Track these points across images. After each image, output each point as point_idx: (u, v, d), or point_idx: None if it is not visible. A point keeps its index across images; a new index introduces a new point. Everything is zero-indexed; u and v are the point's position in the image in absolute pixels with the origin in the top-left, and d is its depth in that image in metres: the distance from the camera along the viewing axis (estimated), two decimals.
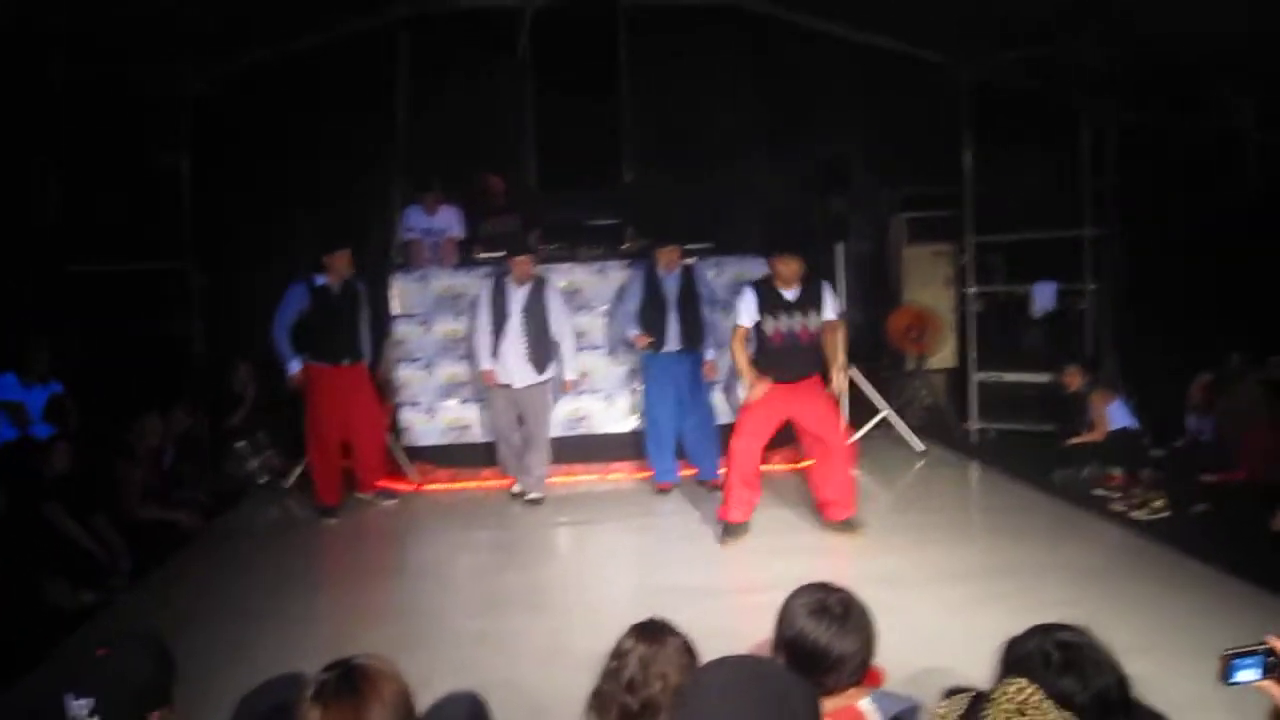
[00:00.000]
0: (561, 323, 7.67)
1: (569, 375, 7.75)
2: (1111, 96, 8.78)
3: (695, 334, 7.73)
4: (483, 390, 7.98)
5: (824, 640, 2.41)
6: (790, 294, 6.34)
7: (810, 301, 6.37)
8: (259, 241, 9.37)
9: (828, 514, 6.63)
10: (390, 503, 7.81)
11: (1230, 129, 8.81)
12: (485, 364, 7.62)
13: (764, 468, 8.32)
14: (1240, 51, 7.76)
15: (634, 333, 7.72)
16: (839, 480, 6.56)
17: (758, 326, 6.41)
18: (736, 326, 6.49)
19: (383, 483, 8.01)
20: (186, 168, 8.86)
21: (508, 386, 7.59)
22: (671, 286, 7.69)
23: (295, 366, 7.35)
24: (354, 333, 7.52)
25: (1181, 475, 6.95)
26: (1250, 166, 8.71)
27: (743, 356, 6.40)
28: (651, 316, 7.69)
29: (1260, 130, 8.51)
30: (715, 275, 8.13)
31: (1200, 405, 7.43)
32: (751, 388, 6.39)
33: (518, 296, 7.54)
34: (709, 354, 7.84)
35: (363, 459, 7.70)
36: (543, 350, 7.57)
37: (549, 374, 7.67)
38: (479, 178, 9.34)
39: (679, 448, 7.97)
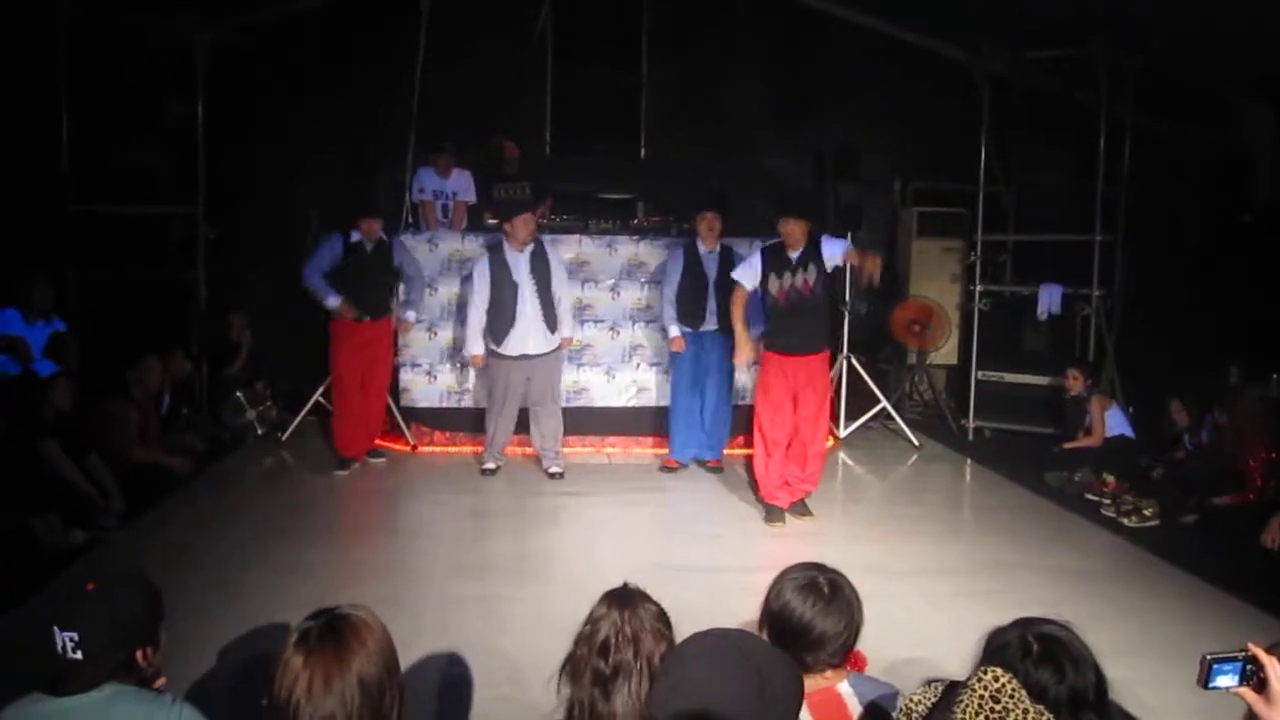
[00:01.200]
0: (562, 281, 7.57)
1: (566, 332, 7.63)
2: (1129, 102, 8.74)
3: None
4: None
5: (808, 616, 2.44)
6: (794, 254, 6.42)
7: (810, 256, 6.41)
8: (266, 195, 9.36)
9: (791, 493, 6.67)
10: (379, 461, 7.81)
11: (1244, 143, 8.80)
12: (474, 347, 7.47)
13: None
14: (1260, 65, 7.74)
15: (674, 332, 7.68)
16: (803, 469, 6.60)
17: (765, 289, 6.48)
18: (736, 286, 6.56)
19: (379, 441, 8.04)
20: (201, 116, 8.82)
21: (523, 358, 7.44)
22: (712, 265, 7.61)
23: (334, 301, 7.43)
24: (381, 290, 7.67)
25: (1184, 490, 6.97)
26: (1261, 181, 8.70)
27: (739, 316, 6.48)
28: (691, 296, 7.62)
29: (1275, 145, 8.50)
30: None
31: (1191, 426, 7.43)
32: (740, 348, 6.50)
33: (522, 262, 7.37)
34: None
35: (356, 420, 7.70)
36: (552, 313, 7.46)
37: (559, 338, 7.59)
38: (494, 143, 9.32)
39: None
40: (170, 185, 9.05)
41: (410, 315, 7.84)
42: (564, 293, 7.56)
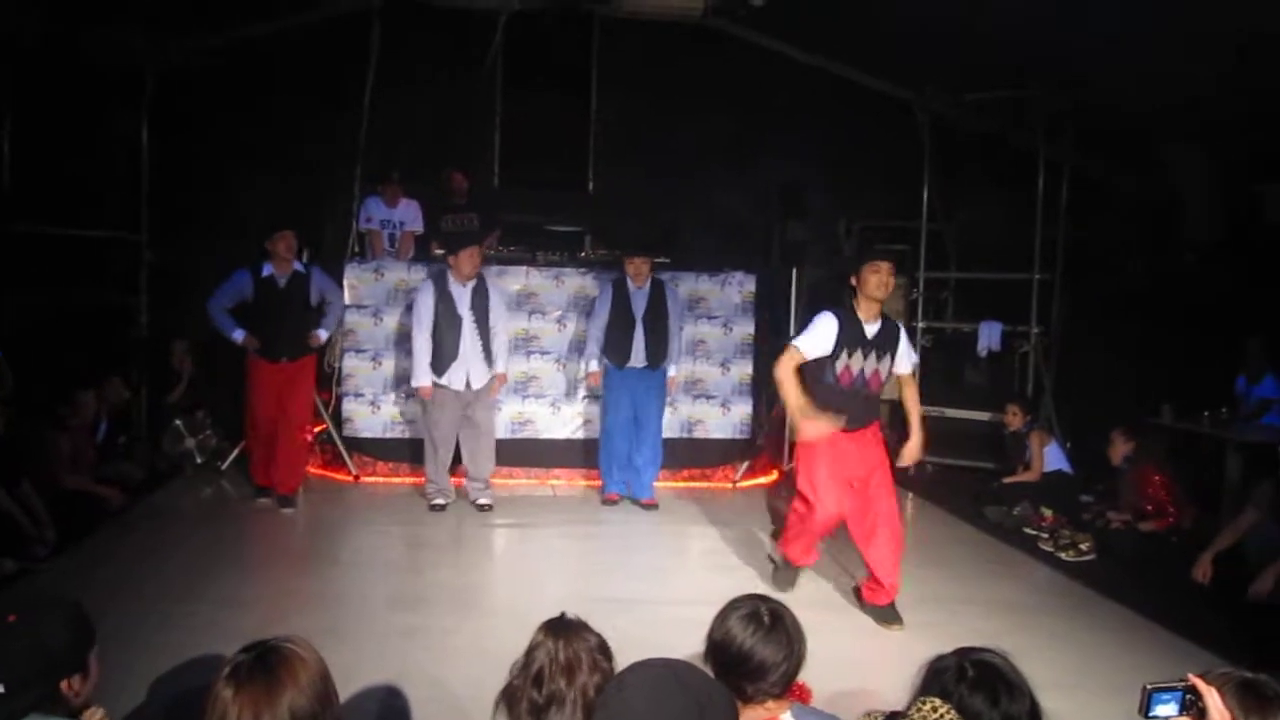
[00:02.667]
0: (500, 316, 7.46)
1: (500, 368, 7.48)
2: (1066, 144, 8.97)
3: (659, 351, 7.64)
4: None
5: (749, 645, 2.46)
6: (871, 329, 5.21)
7: (888, 343, 5.29)
8: (211, 220, 9.26)
9: (865, 594, 5.51)
10: (287, 510, 7.26)
11: (1177, 188, 9.05)
12: (424, 379, 7.28)
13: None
14: (1194, 112, 7.98)
15: (593, 367, 7.71)
16: (888, 558, 5.33)
17: (828, 361, 5.21)
18: (792, 349, 5.23)
19: (318, 470, 7.95)
20: (146, 140, 8.72)
21: (466, 389, 7.32)
22: (640, 302, 7.60)
23: (239, 335, 7.10)
24: (296, 329, 7.23)
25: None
26: (1193, 225, 8.95)
27: (795, 388, 5.12)
28: (618, 332, 7.60)
29: (1207, 187, 8.75)
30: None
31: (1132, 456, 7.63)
32: (804, 427, 5.16)
33: (464, 295, 7.27)
34: (670, 370, 7.80)
35: (280, 459, 7.29)
36: (489, 347, 7.37)
37: (495, 370, 7.47)
38: (442, 173, 9.31)
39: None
40: (114, 208, 8.91)
41: (322, 334, 7.43)
42: (501, 328, 7.46)
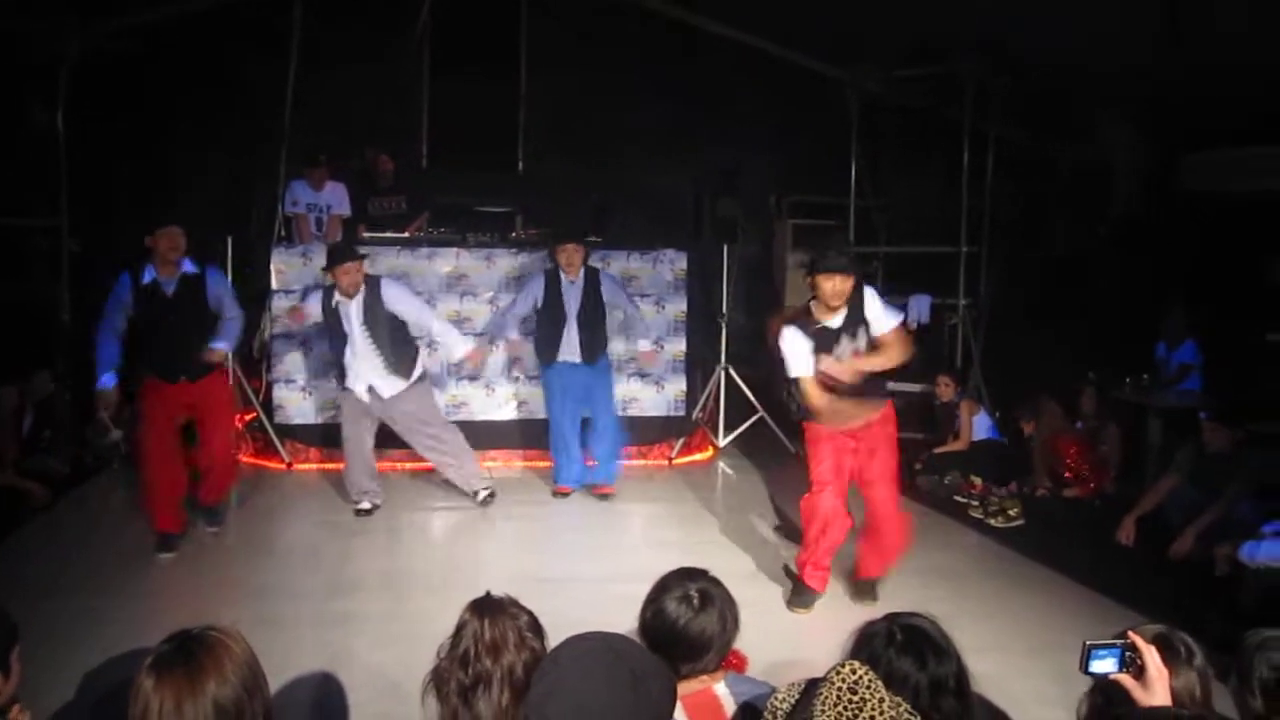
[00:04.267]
0: (420, 313, 6.90)
1: (458, 355, 7.17)
2: (994, 118, 9.10)
3: (596, 346, 7.35)
4: None
5: (682, 622, 2.49)
6: (834, 321, 5.19)
7: (854, 321, 5.20)
8: (135, 209, 9.02)
9: (861, 568, 5.58)
10: (212, 530, 6.40)
11: (1102, 159, 9.24)
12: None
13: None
14: (1119, 83, 8.14)
15: (470, 346, 7.27)
16: (885, 544, 5.47)
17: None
18: (801, 380, 5.19)
19: (247, 459, 7.82)
20: (63, 127, 8.47)
21: (374, 398, 6.76)
22: (574, 297, 7.24)
23: (106, 381, 5.91)
24: (196, 343, 5.98)
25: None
26: (1119, 195, 9.14)
27: (820, 404, 5.16)
28: (548, 329, 7.31)
29: (1132, 160, 8.94)
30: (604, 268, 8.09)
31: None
32: (820, 415, 5.25)
33: (352, 311, 6.59)
34: (642, 344, 7.87)
35: (208, 478, 6.33)
36: (402, 357, 6.75)
37: (417, 375, 6.86)
38: (368, 155, 9.19)
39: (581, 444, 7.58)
40: (35, 197, 8.66)
41: (222, 345, 6.16)
42: (428, 321, 6.96)
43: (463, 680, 2.20)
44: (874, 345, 5.20)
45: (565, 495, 7.52)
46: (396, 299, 6.71)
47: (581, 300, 7.25)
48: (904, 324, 5.50)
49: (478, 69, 10.63)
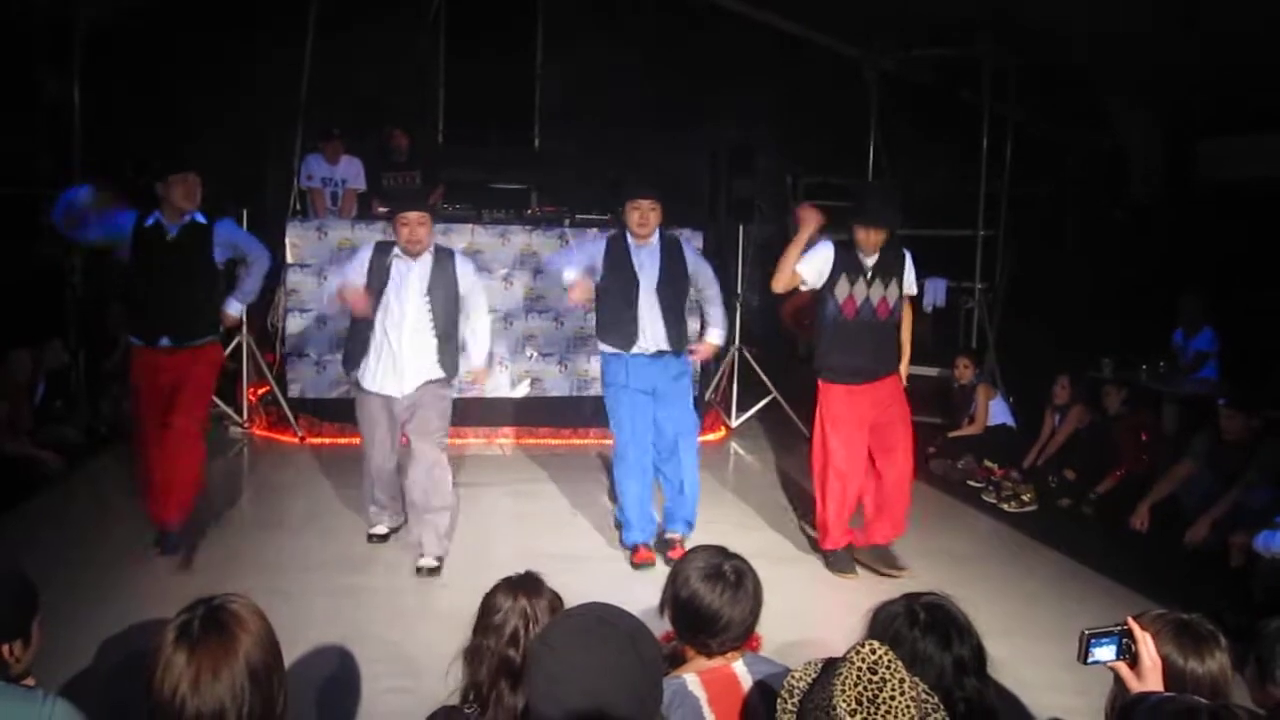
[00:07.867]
0: (480, 304, 5.53)
1: (477, 362, 5.59)
2: (1011, 101, 9.03)
3: (680, 330, 5.64)
4: None
5: (716, 605, 2.47)
6: (870, 259, 5.31)
7: (892, 269, 5.35)
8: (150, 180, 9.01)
9: (869, 534, 5.60)
10: (174, 555, 5.33)
11: (1118, 143, 9.17)
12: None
13: None
14: (1137, 69, 8.07)
15: (569, 277, 5.63)
16: (894, 504, 5.54)
17: (829, 292, 5.32)
18: (797, 287, 5.36)
19: (260, 433, 7.80)
20: (78, 95, 8.46)
21: (388, 397, 5.35)
22: (650, 263, 5.56)
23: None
24: (187, 299, 5.35)
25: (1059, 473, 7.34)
26: (1135, 180, 9.07)
27: (796, 319, 5.18)
28: (616, 304, 5.54)
29: (1148, 145, 8.87)
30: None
31: (1064, 404, 7.71)
32: (805, 223, 5.29)
33: (414, 276, 5.26)
34: (714, 336, 5.93)
35: (162, 489, 5.37)
36: (449, 346, 5.37)
37: (452, 373, 5.45)
38: (384, 132, 9.17)
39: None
40: (47, 167, 8.65)
41: (235, 308, 5.69)
42: (482, 312, 5.56)
43: (513, 659, 2.19)
44: (901, 303, 5.46)
45: (650, 565, 5.49)
46: (472, 279, 5.46)
47: (660, 272, 5.56)
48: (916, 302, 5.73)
49: (494, 46, 10.59)
